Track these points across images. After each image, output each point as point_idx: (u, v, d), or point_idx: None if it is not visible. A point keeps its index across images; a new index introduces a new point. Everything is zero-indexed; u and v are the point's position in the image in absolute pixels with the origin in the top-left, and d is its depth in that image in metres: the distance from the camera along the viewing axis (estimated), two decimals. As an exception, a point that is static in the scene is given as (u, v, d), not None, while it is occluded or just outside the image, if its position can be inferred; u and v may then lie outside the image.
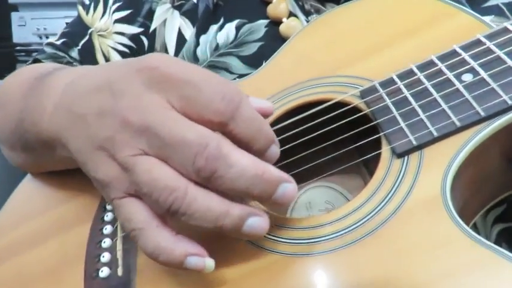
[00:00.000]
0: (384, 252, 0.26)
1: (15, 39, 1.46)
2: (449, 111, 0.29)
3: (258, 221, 0.27)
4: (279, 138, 0.36)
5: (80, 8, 0.55)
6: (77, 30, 0.54)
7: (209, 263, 0.27)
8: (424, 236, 0.25)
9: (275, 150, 0.28)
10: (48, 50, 0.53)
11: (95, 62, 0.53)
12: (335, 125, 0.34)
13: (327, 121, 0.35)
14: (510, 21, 0.31)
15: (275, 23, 0.50)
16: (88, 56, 0.53)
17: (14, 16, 1.47)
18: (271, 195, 0.26)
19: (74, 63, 0.53)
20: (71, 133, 0.30)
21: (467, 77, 0.30)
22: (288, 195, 0.27)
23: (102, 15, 0.54)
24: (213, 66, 0.49)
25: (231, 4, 0.52)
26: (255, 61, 0.47)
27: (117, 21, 0.53)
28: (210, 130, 0.26)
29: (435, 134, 0.29)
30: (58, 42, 0.54)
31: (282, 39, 0.47)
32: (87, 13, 0.55)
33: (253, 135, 0.27)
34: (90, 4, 0.55)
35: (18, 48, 1.45)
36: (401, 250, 0.26)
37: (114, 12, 0.54)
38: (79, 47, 0.53)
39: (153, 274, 0.32)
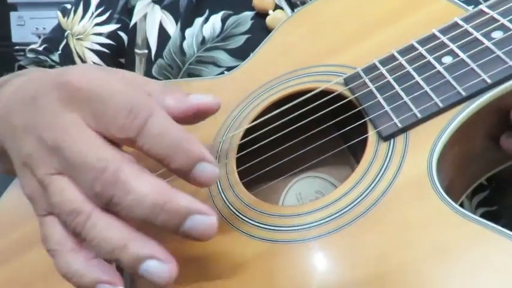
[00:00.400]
0: (376, 232, 0.26)
1: (14, 38, 1.46)
2: (431, 93, 0.30)
3: (156, 267, 0.24)
4: (266, 129, 0.36)
5: (60, 14, 0.56)
6: (56, 36, 0.55)
7: None
8: (414, 215, 0.26)
9: (205, 169, 0.25)
10: (31, 55, 0.54)
11: (74, 64, 0.53)
12: (321, 113, 0.34)
13: (313, 110, 0.35)
14: (485, 3, 0.32)
15: (261, 15, 0.50)
16: (67, 59, 0.54)
17: (13, 16, 1.48)
18: (177, 226, 0.24)
19: (57, 66, 0.53)
20: (9, 144, 0.30)
21: (447, 59, 0.31)
22: (199, 229, 0.24)
23: (81, 19, 0.54)
24: (200, 62, 0.49)
25: None
26: (242, 54, 0.48)
27: (97, 24, 0.53)
28: (116, 152, 0.25)
29: (419, 115, 0.29)
30: (40, 48, 0.54)
31: (269, 32, 0.47)
32: (67, 18, 0.55)
33: (167, 153, 0.25)
34: (70, 9, 0.56)
35: (17, 47, 1.44)
36: (393, 229, 0.26)
37: (96, 17, 0.54)
38: (59, 51, 0.53)
39: None
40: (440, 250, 0.24)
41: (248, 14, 0.50)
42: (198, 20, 0.50)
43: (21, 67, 0.54)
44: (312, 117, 0.35)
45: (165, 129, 0.25)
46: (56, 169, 0.26)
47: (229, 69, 0.47)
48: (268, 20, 0.49)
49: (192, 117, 0.29)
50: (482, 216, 0.45)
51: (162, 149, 0.25)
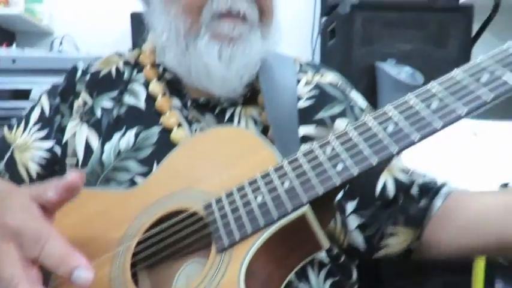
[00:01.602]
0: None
1: None
2: (247, 223, 0.47)
3: None
4: (152, 235, 0.52)
5: (6, 129, 0.72)
6: (1, 147, 0.70)
7: None
8: None
9: (80, 275, 0.41)
10: None
11: (17, 174, 0.69)
12: (188, 230, 0.51)
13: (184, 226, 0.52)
14: (297, 154, 0.49)
15: (167, 130, 0.67)
16: (12, 169, 0.69)
17: None
18: None
19: (2, 174, 0.69)
20: None
21: (260, 199, 0.48)
22: None
23: (23, 133, 0.71)
24: (115, 169, 0.66)
25: (132, 115, 0.69)
26: (148, 162, 0.65)
27: (36, 139, 0.70)
28: (23, 271, 0.41)
29: (237, 238, 0.47)
30: None
31: (171, 144, 0.64)
32: (10, 132, 0.71)
33: (56, 265, 0.41)
34: (14, 125, 0.72)
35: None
36: None
37: (34, 132, 0.70)
38: (4, 161, 0.69)
39: None
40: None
41: (156, 129, 0.67)
42: (117, 135, 0.67)
43: None
44: (182, 232, 0.52)
45: (53, 250, 0.41)
46: None
47: (138, 174, 0.64)
48: (172, 135, 0.67)
49: (69, 193, 0.46)
50: (332, 286, 0.63)
51: (51, 263, 0.41)
